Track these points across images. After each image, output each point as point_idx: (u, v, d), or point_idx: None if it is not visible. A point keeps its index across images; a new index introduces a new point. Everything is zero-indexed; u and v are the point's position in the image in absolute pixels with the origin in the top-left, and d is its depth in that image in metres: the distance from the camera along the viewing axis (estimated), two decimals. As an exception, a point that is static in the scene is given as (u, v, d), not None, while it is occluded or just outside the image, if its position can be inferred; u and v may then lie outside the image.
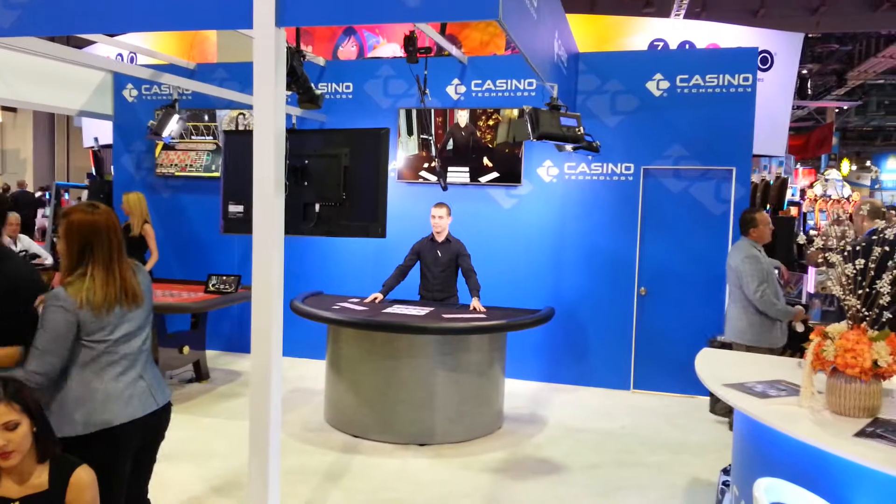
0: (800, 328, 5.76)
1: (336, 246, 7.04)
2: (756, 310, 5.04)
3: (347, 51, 12.70)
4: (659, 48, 9.29)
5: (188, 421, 5.33)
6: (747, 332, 5.07)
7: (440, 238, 5.65)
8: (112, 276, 2.56)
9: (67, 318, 2.44)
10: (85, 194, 9.02)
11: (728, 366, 3.30)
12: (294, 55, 3.15)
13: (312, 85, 3.37)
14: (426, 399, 5.00)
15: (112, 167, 7.94)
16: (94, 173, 7.99)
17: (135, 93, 7.62)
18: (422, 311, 5.29)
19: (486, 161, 6.65)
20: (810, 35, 15.74)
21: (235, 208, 3.47)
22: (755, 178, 7.24)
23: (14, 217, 7.09)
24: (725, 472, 4.08)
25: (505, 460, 4.78)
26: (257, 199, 3.01)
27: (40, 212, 15.05)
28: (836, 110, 25.36)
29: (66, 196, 11.52)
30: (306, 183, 3.31)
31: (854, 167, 30.25)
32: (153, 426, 2.75)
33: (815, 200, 19.41)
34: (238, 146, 3.50)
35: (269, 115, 3.00)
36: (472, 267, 5.65)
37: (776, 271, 5.40)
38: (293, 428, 5.25)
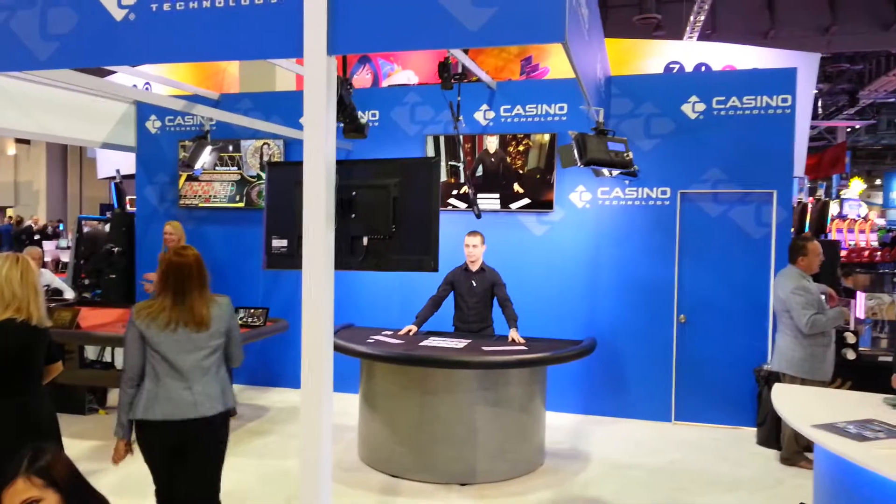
0: (850, 356, 5.57)
1: (362, 276, 6.87)
2: (810, 341, 4.85)
3: (362, 79, 12.68)
4: (675, 70, 9.20)
5: (219, 461, 5.12)
6: (802, 364, 4.88)
7: (474, 267, 5.48)
8: (180, 304, 3.23)
9: (132, 330, 3.20)
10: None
11: (807, 403, 3.10)
12: (342, 84, 3.02)
13: (359, 114, 3.24)
14: (466, 436, 4.79)
15: (135, 199, 7.82)
16: (114, 205, 7.88)
17: (158, 124, 7.54)
18: (459, 343, 5.10)
19: (516, 187, 6.51)
20: (821, 55, 15.69)
21: (279, 243, 3.31)
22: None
23: (36, 252, 6.97)
24: (796, 513, 3.85)
25: (552, 500, 4.56)
26: (308, 233, 2.85)
27: (48, 245, 14.99)
28: (848, 129, 25.26)
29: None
30: (353, 215, 3.15)
31: (864, 186, 30.09)
32: (191, 431, 3.20)
33: (832, 220, 19.22)
34: (282, 178, 3.35)
35: (319, 145, 2.85)
36: (509, 296, 5.47)
37: (823, 297, 5.22)
38: (328, 467, 5.04)
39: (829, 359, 4.98)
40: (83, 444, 5.45)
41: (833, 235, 17.63)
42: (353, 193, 3.17)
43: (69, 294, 6.96)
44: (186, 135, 7.32)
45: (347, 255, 3.17)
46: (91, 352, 6.77)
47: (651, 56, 10.07)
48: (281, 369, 7.26)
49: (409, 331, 5.37)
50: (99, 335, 5.60)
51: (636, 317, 6.34)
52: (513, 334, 5.25)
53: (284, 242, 3.31)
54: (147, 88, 9.73)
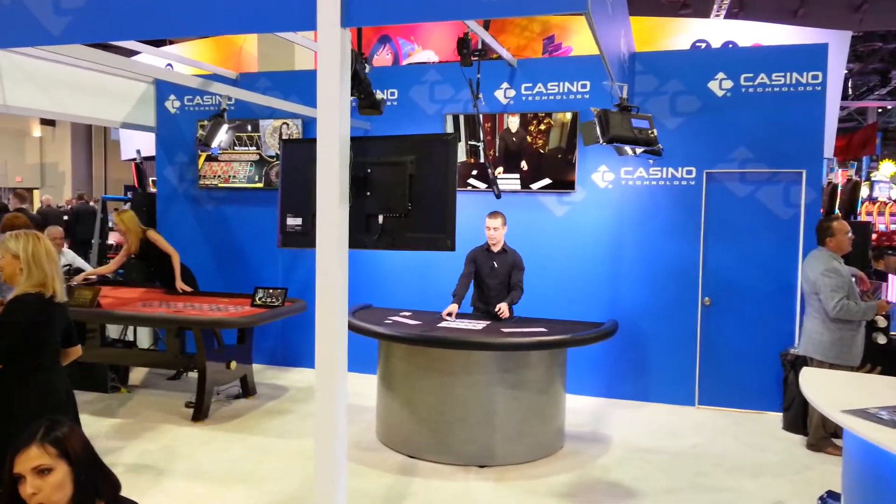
0: (881, 340, 5.42)
1: (383, 256, 6.83)
2: (838, 325, 4.72)
3: (382, 59, 12.57)
4: (702, 48, 8.96)
5: (238, 440, 5.14)
6: (830, 348, 4.75)
7: (496, 248, 5.39)
8: None
9: None
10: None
11: (837, 388, 3.00)
12: (357, 58, 2.95)
13: (374, 91, 3.16)
14: (485, 418, 4.74)
15: (155, 179, 7.83)
16: (135, 186, 7.90)
17: (177, 104, 7.52)
18: (478, 325, 5.04)
19: (523, 164, 6.39)
20: (853, 34, 15.24)
21: (294, 221, 3.26)
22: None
23: (56, 231, 6.99)
24: (823, 501, 3.76)
25: (572, 484, 4.50)
26: (321, 211, 2.79)
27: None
28: (879, 110, 24.61)
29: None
30: (369, 193, 3.09)
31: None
32: None
33: (863, 203, 18.78)
34: (297, 155, 3.30)
35: (333, 120, 2.78)
36: (521, 283, 5.39)
37: (853, 279, 5.07)
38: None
39: (858, 343, 4.84)
40: (104, 421, 5.50)
41: (863, 218, 17.25)
42: (369, 171, 3.11)
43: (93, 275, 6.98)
44: (205, 114, 7.29)
45: (363, 234, 3.12)
46: (114, 331, 6.84)
47: (677, 34, 9.83)
48: (301, 349, 7.26)
49: (451, 312, 5.26)
50: (119, 314, 5.62)
51: (660, 299, 6.22)
52: (501, 305, 5.18)
53: (299, 221, 3.27)
54: (169, 69, 9.71)
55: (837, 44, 9.12)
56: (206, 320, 5.37)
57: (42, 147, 26.82)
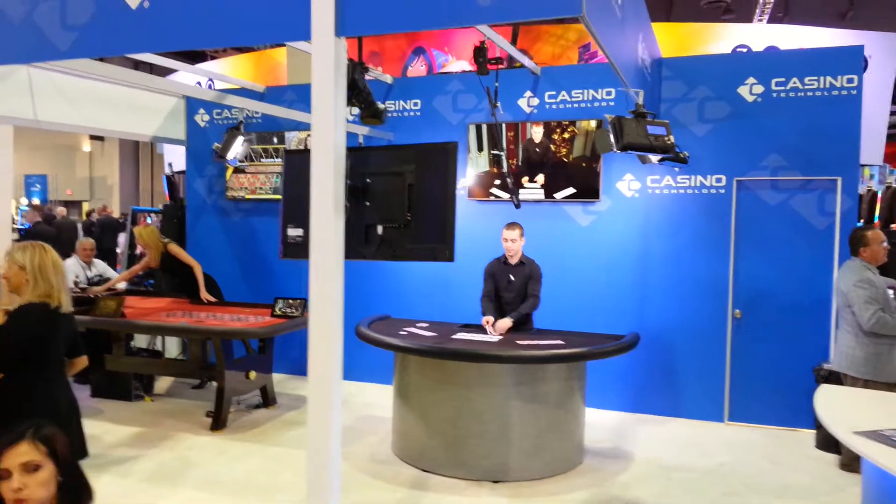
0: (922, 356, 5.14)
1: (403, 267, 6.79)
2: (873, 339, 4.48)
3: (417, 70, 12.60)
4: (731, 53, 8.73)
5: (255, 451, 5.14)
6: (863, 363, 4.51)
7: (513, 261, 5.29)
8: None
9: None
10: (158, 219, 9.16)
11: (854, 407, 2.82)
12: (356, 67, 2.91)
13: (375, 100, 3.12)
14: (500, 432, 4.64)
15: (185, 191, 7.96)
16: (168, 197, 8.06)
17: (206, 117, 7.64)
18: (494, 336, 4.95)
19: (561, 176, 6.28)
20: (904, 36, 14.74)
21: (295, 232, 3.25)
22: (860, 189, 6.60)
23: (88, 242, 7.17)
24: (848, 526, 3.56)
25: (588, 501, 4.36)
26: (315, 222, 2.77)
27: (122, 236, 15.50)
28: (936, 115, 23.69)
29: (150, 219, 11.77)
30: (368, 203, 3.05)
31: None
32: None
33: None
34: (298, 166, 3.28)
35: (328, 130, 2.75)
36: (537, 294, 5.23)
37: (890, 291, 4.82)
38: (359, 460, 4.98)
39: (895, 358, 4.59)
40: (125, 430, 5.55)
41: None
42: (368, 181, 3.07)
43: (121, 284, 7.12)
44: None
45: (361, 245, 3.07)
46: (142, 340, 6.94)
47: (718, 40, 9.61)
48: (325, 360, 7.24)
49: (489, 320, 5.15)
50: (140, 323, 5.69)
51: (688, 311, 6.03)
52: (499, 322, 5.06)
53: (300, 232, 3.25)
54: (210, 85, 9.90)
55: (887, 46, 8.81)
56: (223, 330, 5.40)
57: (91, 161, 27.67)
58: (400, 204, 3.04)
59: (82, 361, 3.44)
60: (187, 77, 9.81)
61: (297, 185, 3.24)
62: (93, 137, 25.72)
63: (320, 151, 2.76)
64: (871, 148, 8.33)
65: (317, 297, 2.83)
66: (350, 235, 2.98)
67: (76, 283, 6.71)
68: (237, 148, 5.74)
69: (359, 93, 2.96)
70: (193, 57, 17.44)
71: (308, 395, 2.83)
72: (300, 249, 3.24)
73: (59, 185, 26.60)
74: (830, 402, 2.81)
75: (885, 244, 4.68)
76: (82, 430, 3.37)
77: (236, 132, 5.68)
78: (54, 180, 26.52)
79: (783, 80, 5.73)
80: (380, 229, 3.07)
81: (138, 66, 16.51)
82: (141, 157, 27.42)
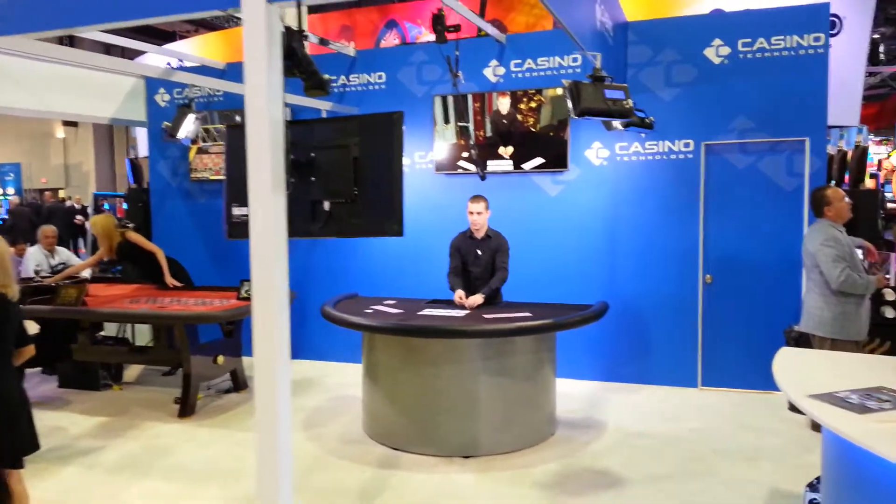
0: (889, 314, 5.16)
1: (373, 244, 6.70)
2: (840, 298, 4.45)
3: (390, 43, 12.37)
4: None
5: (222, 436, 5.06)
6: (831, 323, 4.48)
7: (479, 235, 5.20)
8: None
9: None
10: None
11: (813, 369, 2.78)
12: (293, 35, 2.78)
13: (318, 69, 3.00)
14: (469, 407, 4.59)
15: (149, 175, 7.78)
16: (132, 181, 7.89)
17: (167, 97, 7.44)
18: (460, 312, 4.88)
19: (529, 146, 6.17)
20: (883, -5, 14.63)
21: (240, 211, 3.13)
22: (830, 150, 6.54)
23: (50, 230, 7.01)
24: (812, 487, 3.55)
25: (558, 473, 4.33)
26: (254, 200, 2.66)
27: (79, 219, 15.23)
28: (913, 76, 23.72)
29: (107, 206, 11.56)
30: (313, 178, 2.94)
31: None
32: None
33: (893, 171, 18.13)
34: (241, 141, 3.14)
35: (262, 102, 2.64)
36: (505, 267, 5.13)
37: (859, 251, 4.79)
38: (330, 440, 4.92)
39: (863, 316, 4.56)
40: (92, 420, 5.46)
41: (894, 187, 16.63)
42: (312, 155, 2.95)
43: (85, 273, 6.96)
44: (200, 107, 7.20)
45: (308, 222, 2.97)
46: (112, 328, 6.83)
47: (692, 4, 9.45)
48: (297, 340, 7.13)
49: (462, 294, 5.04)
50: (101, 311, 5.57)
51: (659, 278, 5.99)
52: (472, 297, 4.97)
53: (245, 210, 3.12)
54: (181, 65, 9.62)
55: (861, 7, 8.71)
56: (185, 315, 5.29)
57: (66, 148, 27.20)
58: (346, 178, 2.93)
59: (29, 350, 3.34)
60: (156, 59, 9.56)
61: (239, 162, 3.11)
62: (66, 124, 25.24)
63: (255, 125, 2.65)
64: (847, 109, 8.27)
65: (259, 278, 2.73)
66: (296, 212, 2.88)
67: (37, 272, 6.56)
68: (188, 126, 5.58)
69: (298, 62, 2.83)
70: (165, 38, 17.09)
71: (255, 382, 2.75)
72: (246, 229, 3.12)
73: (33, 173, 26.13)
74: (788, 366, 2.76)
75: (847, 199, 4.63)
76: (33, 422, 3.28)
77: (187, 110, 5.52)
78: (28, 169, 26.05)
79: (749, 40, 5.64)
80: (326, 205, 2.97)
81: (110, 49, 16.13)
82: (116, 142, 26.97)
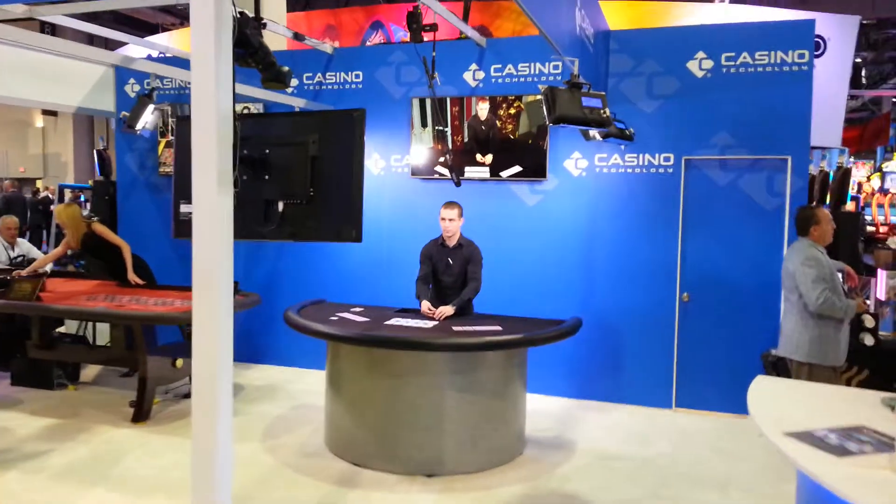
0: (868, 341, 5.03)
1: (344, 248, 6.49)
2: (818, 322, 4.31)
3: (374, 44, 12.20)
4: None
5: (175, 444, 4.83)
6: (808, 347, 4.33)
7: (451, 242, 5.01)
8: None
9: None
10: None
11: (790, 401, 2.62)
12: (247, 22, 2.59)
13: (276, 60, 2.81)
14: (434, 423, 4.39)
15: (116, 167, 7.53)
16: (99, 173, 7.63)
17: (137, 87, 7.19)
18: (428, 322, 4.69)
19: (507, 154, 6.01)
20: (865, 21, 14.71)
21: (188, 209, 2.93)
22: (812, 170, 6.45)
23: (11, 221, 6.74)
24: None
25: (524, 495, 4.15)
26: (198, 199, 2.47)
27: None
28: (894, 100, 23.95)
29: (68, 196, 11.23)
30: (267, 177, 2.75)
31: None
32: None
33: (873, 194, 18.22)
34: (189, 135, 2.95)
35: (208, 92, 2.45)
36: (478, 277, 4.94)
37: (840, 274, 4.66)
38: (287, 453, 4.71)
39: (842, 341, 4.42)
40: (41, 421, 5.21)
41: (874, 211, 16.67)
42: (267, 151, 2.76)
43: (48, 267, 6.69)
44: (166, 98, 6.98)
45: (260, 223, 2.77)
46: (72, 325, 6.57)
47: (676, 20, 9.39)
48: (263, 345, 6.96)
49: (429, 306, 4.86)
50: (54, 308, 5.33)
51: (635, 294, 5.84)
52: (442, 308, 4.78)
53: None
54: (162, 56, 9.36)
55: (845, 29, 8.69)
56: (142, 315, 5.06)
57: (44, 137, 26.71)
58: (302, 178, 2.74)
59: None
60: (138, 50, 9.31)
61: (188, 156, 2.91)
62: (45, 113, 24.78)
63: (201, 117, 2.46)
64: (829, 131, 8.23)
65: (201, 282, 2.54)
66: (247, 212, 2.68)
67: (-8, 265, 6.29)
68: (147, 117, 5.36)
69: (254, 52, 2.65)
70: (150, 31, 16.79)
71: (193, 389, 2.56)
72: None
73: (9, 162, 25.65)
74: (764, 397, 2.60)
75: (833, 224, 4.51)
76: None
77: (147, 100, 5.30)
78: (5, 157, 25.57)
79: (733, 54, 5.52)
80: (280, 206, 2.77)
81: (93, 40, 15.80)
82: (96, 133, 26.53)
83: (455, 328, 4.53)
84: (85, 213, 6.74)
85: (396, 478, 4.33)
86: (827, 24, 8.40)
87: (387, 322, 4.70)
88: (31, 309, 5.35)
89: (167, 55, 7.50)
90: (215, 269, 2.49)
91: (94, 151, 7.66)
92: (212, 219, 2.49)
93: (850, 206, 8.64)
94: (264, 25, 2.71)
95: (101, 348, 5.90)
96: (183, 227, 2.93)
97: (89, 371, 6.50)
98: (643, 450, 4.90)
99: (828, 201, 6.41)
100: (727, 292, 5.65)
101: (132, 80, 7.20)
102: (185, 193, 2.93)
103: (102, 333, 6.61)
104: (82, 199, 14.36)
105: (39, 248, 10.61)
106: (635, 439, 5.12)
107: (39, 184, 24.95)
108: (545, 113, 3.59)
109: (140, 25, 17.81)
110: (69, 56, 6.28)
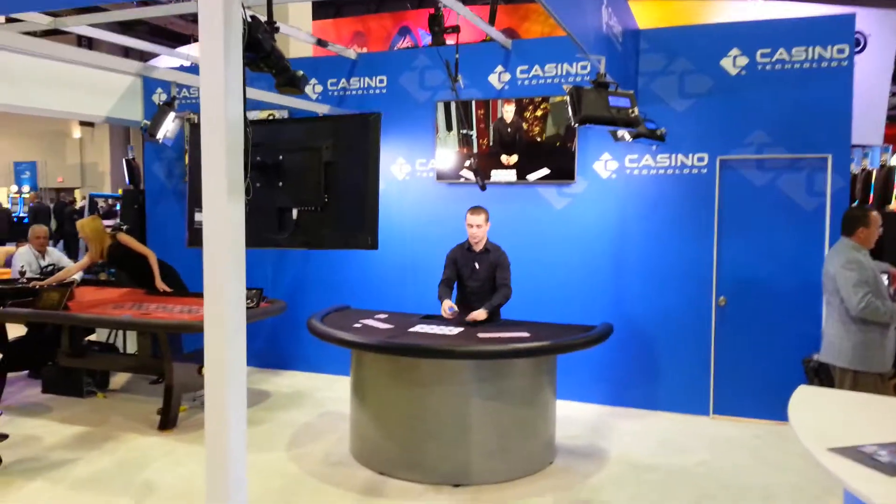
0: (918, 346, 4.77)
1: (369, 253, 6.42)
2: (861, 327, 4.10)
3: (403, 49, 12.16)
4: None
5: (198, 453, 4.78)
6: (851, 353, 4.14)
7: (478, 248, 4.91)
8: None
9: None
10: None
11: (834, 413, 2.45)
12: (259, 26, 2.53)
13: (290, 65, 2.74)
14: (461, 432, 4.28)
15: (144, 176, 7.59)
16: (128, 182, 7.70)
17: (164, 97, 7.22)
18: (453, 329, 4.58)
19: (534, 157, 5.88)
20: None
21: (201, 217, 2.87)
22: (854, 169, 6.20)
23: (41, 230, 6.82)
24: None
25: (553, 507, 4.02)
26: (207, 207, 2.41)
27: (106, 222, 15.16)
28: (940, 95, 23.19)
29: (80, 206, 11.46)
30: (281, 184, 2.67)
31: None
32: None
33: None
34: (204, 141, 2.89)
35: (218, 98, 2.38)
36: (508, 283, 4.84)
37: (884, 276, 4.43)
38: (313, 461, 4.64)
39: (888, 346, 4.20)
40: (69, 429, 5.23)
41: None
42: (280, 158, 2.69)
43: (77, 276, 6.75)
44: (194, 107, 7.00)
45: (273, 231, 2.70)
46: (103, 334, 6.63)
47: (709, 19, 9.18)
48: (291, 352, 6.93)
49: (450, 305, 4.80)
50: (81, 316, 5.35)
51: (670, 299, 5.66)
52: (473, 312, 4.69)
53: (209, 217, 2.87)
54: (189, 65, 9.45)
55: (887, 24, 8.42)
56: (167, 324, 5.05)
57: (82, 147, 27.30)
58: (315, 184, 2.66)
59: None
60: (169, 61, 9.42)
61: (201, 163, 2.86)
62: (83, 123, 25.33)
63: (209, 123, 2.39)
64: (871, 128, 7.95)
65: (211, 291, 2.47)
66: (260, 220, 2.60)
67: (22, 273, 6.36)
68: (167, 125, 5.36)
69: (266, 57, 2.58)
70: (182, 42, 17.03)
71: (206, 402, 2.50)
72: (209, 237, 2.87)
73: (48, 172, 26.26)
74: (807, 409, 2.44)
75: (881, 229, 4.30)
76: None
77: (168, 108, 5.30)
78: (44, 167, 26.20)
79: (769, 51, 5.32)
80: (294, 213, 2.70)
81: (128, 52, 16.05)
82: (133, 142, 27.03)
83: (481, 335, 4.42)
84: (115, 222, 6.80)
85: (423, 487, 4.24)
86: (868, 20, 8.14)
87: (411, 329, 4.61)
88: (59, 318, 5.38)
89: (190, 64, 7.55)
90: (226, 278, 2.41)
91: (123, 161, 7.73)
92: (222, 227, 2.42)
93: (894, 205, 8.32)
94: (277, 29, 2.65)
95: (129, 356, 5.92)
96: (197, 236, 2.87)
97: (119, 378, 6.53)
98: (679, 459, 4.73)
99: (871, 201, 6.15)
100: (766, 296, 5.44)
101: (159, 90, 7.24)
102: (199, 201, 2.87)
103: (133, 341, 6.65)
104: (118, 208, 14.62)
105: (77, 257, 10.79)
106: (671, 448, 4.94)
107: (77, 193, 25.48)
108: (570, 113, 3.47)
109: (173, 37, 18.09)
110: (96, 67, 6.34)
